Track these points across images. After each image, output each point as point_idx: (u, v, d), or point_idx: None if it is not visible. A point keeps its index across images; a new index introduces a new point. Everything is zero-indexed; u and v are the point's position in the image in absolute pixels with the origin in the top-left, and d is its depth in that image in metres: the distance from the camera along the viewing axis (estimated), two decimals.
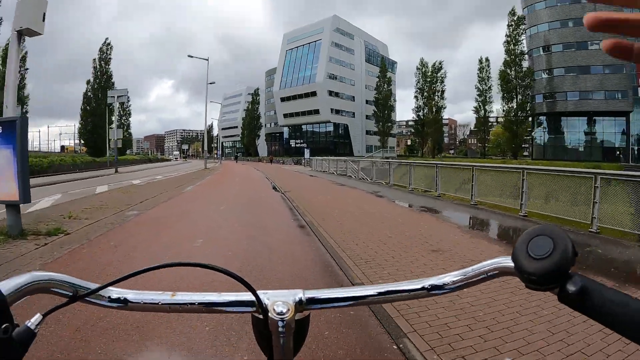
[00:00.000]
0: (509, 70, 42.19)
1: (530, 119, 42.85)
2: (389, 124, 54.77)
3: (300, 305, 0.47)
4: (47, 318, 0.41)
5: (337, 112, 56.19)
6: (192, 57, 29.18)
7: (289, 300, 0.47)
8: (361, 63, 60.24)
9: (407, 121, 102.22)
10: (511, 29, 42.64)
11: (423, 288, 0.48)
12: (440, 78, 52.74)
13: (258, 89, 76.34)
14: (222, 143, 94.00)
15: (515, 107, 41.76)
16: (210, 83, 30.20)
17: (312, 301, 0.48)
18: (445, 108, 52.72)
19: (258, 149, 75.49)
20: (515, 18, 42.59)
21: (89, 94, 43.04)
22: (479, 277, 0.47)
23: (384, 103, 53.74)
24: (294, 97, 57.63)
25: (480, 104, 49.33)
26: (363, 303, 0.50)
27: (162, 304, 0.47)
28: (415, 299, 0.49)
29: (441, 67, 52.99)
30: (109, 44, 44.94)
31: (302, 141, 58.84)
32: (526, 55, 42.29)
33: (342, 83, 57.28)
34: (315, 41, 56.75)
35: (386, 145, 53.86)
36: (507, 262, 0.43)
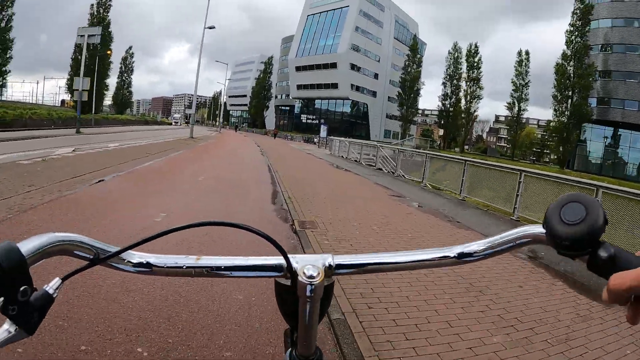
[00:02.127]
0: (567, 65, 35.97)
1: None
2: (413, 110, 49.29)
3: (329, 270, 0.46)
4: (65, 282, 0.39)
5: (358, 89, 50.24)
6: None
7: (319, 264, 0.45)
8: (389, 39, 54.00)
9: (422, 110, 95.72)
10: (575, 18, 35.76)
11: (452, 256, 0.47)
12: (476, 63, 47.18)
13: (272, 57, 70.89)
14: (229, 111, 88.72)
15: (569, 107, 35.80)
16: (210, 27, 24.63)
17: (340, 267, 0.47)
18: (481, 98, 47.12)
19: (266, 120, 70.13)
20: (581, 5, 35.46)
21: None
22: (508, 245, 0.46)
23: (410, 85, 48.06)
24: (311, 67, 51.64)
25: (515, 100, 44.05)
26: (390, 269, 0.49)
27: (186, 267, 0.45)
28: (443, 266, 0.48)
29: (477, 51, 47.34)
30: None
31: (314, 117, 53.22)
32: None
33: (367, 57, 51.15)
34: (341, 8, 50.41)
35: (406, 133, 48.51)
36: (538, 229, 0.43)
